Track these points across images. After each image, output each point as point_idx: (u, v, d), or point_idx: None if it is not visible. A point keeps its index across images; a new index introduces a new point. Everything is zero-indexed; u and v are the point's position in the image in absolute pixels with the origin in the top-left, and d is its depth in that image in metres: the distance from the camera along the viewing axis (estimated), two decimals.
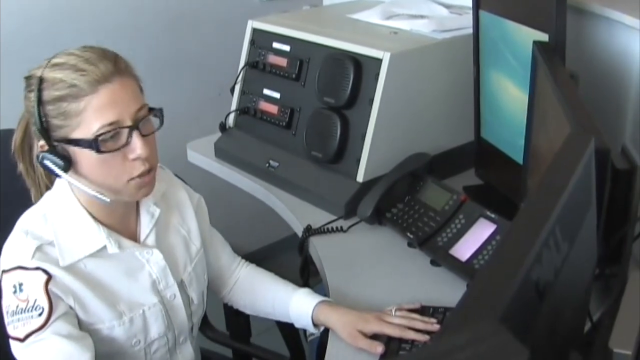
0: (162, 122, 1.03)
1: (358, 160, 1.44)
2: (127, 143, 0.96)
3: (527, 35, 1.24)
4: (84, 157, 0.96)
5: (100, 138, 0.94)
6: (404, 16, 1.67)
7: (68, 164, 0.97)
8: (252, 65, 1.67)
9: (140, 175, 0.99)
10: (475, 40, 1.45)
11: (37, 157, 0.98)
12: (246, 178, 1.65)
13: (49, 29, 2.00)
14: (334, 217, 1.44)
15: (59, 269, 0.98)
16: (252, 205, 1.73)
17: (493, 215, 1.25)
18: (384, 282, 1.25)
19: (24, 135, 1.05)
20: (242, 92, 1.71)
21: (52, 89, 0.94)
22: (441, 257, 1.26)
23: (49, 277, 0.96)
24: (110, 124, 0.95)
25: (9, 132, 1.22)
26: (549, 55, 1.13)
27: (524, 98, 1.23)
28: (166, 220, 1.13)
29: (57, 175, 0.99)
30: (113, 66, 0.96)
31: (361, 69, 1.44)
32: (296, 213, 1.49)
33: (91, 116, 0.94)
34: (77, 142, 0.95)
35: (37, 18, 2.00)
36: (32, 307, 0.94)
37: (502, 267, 0.55)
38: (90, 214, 1.02)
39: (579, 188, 0.71)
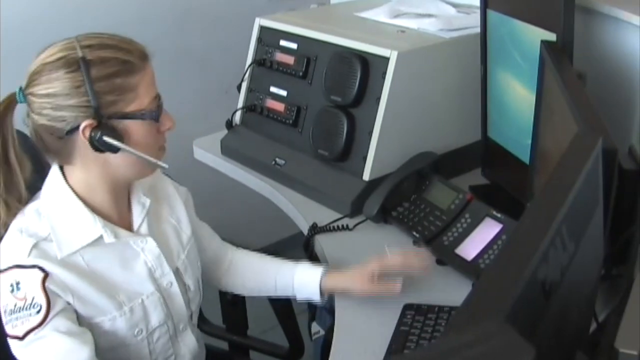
0: None
1: (364, 159, 1.44)
2: (161, 114, 1.04)
3: (535, 35, 1.24)
4: (135, 129, 1.00)
5: (159, 110, 1.02)
6: (411, 15, 1.67)
7: (121, 137, 0.99)
8: (259, 63, 1.67)
9: (164, 143, 1.07)
10: (482, 40, 1.45)
11: (92, 136, 0.97)
12: (252, 175, 1.66)
13: (52, 26, 1.99)
14: (340, 215, 1.45)
15: (56, 265, 0.98)
16: (258, 202, 1.73)
17: (499, 215, 1.26)
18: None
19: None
20: (249, 90, 1.72)
21: (102, 67, 0.96)
22: (447, 256, 1.26)
23: (46, 274, 0.97)
24: (156, 96, 1.03)
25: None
26: (556, 55, 1.13)
27: (531, 97, 1.23)
28: (156, 211, 1.14)
29: (114, 151, 0.99)
30: (143, 46, 1.03)
31: (368, 67, 1.44)
32: (302, 211, 1.49)
33: (144, 90, 1.00)
34: (134, 115, 0.99)
35: (39, 15, 1.99)
36: (30, 305, 0.95)
37: (508, 266, 0.55)
38: (85, 205, 1.03)
39: (586, 188, 0.71)
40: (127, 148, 0.99)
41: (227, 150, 1.74)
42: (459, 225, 1.29)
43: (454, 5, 1.73)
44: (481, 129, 1.52)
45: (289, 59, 1.60)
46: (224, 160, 1.74)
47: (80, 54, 0.96)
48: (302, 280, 1.22)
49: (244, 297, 1.50)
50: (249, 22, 1.71)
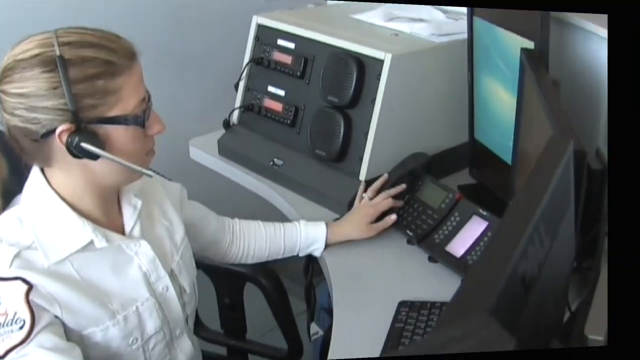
0: None
1: (361, 159, 1.44)
2: (148, 118, 0.96)
3: (516, 42, 1.27)
4: (118, 134, 0.93)
5: (145, 113, 0.94)
6: (404, 19, 1.68)
7: (102, 143, 0.92)
8: (257, 61, 1.63)
9: (153, 147, 1.00)
10: (469, 46, 1.48)
11: (69, 142, 0.89)
12: (250, 176, 1.64)
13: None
14: (337, 216, 1.44)
15: (42, 275, 0.90)
16: (255, 203, 1.69)
17: (485, 213, 1.29)
18: (385, 278, 1.28)
19: None
20: (247, 89, 1.67)
21: (82, 67, 0.88)
22: (438, 254, 1.30)
23: (30, 286, 0.88)
24: (142, 99, 0.94)
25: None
26: (534, 62, 1.16)
27: (513, 102, 1.26)
28: (147, 213, 1.08)
29: (93, 158, 0.91)
30: (130, 43, 0.94)
31: (364, 68, 1.44)
32: (299, 211, 1.48)
33: (128, 93, 0.92)
34: (117, 120, 0.91)
35: (35, 14, 1.85)
36: (12, 320, 0.87)
37: (491, 263, 0.59)
38: (73, 209, 0.95)
39: (560, 188, 0.75)
40: (108, 155, 0.91)
41: (224, 150, 1.71)
42: (448, 223, 1.32)
43: (444, 12, 1.74)
44: (468, 131, 1.54)
45: (287, 59, 1.58)
46: (221, 160, 1.70)
47: (57, 51, 0.87)
48: (309, 238, 1.32)
49: (242, 300, 1.48)
50: (247, 21, 1.67)
